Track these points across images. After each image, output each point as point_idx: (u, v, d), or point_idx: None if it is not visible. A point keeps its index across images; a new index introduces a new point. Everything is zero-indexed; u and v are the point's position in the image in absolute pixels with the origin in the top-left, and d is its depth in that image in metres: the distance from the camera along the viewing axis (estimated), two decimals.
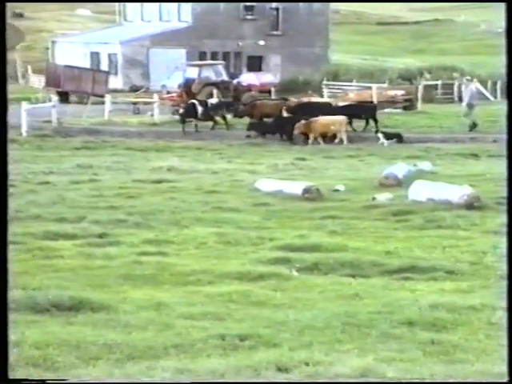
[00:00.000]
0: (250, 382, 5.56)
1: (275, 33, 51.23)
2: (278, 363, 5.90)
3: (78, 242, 11.02)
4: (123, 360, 6.04)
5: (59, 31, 58.10)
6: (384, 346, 6.51)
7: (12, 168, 20.05)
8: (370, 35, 69.50)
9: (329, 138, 25.89)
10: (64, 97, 38.21)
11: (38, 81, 45.97)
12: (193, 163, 21.36)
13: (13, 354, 5.91)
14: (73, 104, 37.20)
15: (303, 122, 25.57)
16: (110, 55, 48.87)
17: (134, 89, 45.61)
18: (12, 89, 43.73)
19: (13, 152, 21.32)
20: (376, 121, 28.16)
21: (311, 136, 25.66)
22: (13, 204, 14.07)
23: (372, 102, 30.77)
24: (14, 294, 7.69)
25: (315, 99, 31.22)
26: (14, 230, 11.72)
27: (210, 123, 28.96)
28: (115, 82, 45.60)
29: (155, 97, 33.49)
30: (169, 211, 13.54)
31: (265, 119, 28.11)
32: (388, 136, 26.39)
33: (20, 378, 4.78)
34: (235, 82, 39.42)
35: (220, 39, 49.05)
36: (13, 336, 6.35)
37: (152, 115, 31.75)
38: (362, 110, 28.50)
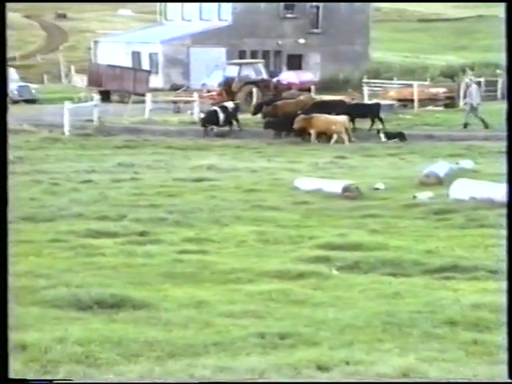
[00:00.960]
0: (254, 382, 5.54)
1: (315, 31, 51.10)
2: (318, 362, 5.89)
3: (120, 240, 11.11)
4: (164, 357, 6.08)
5: (101, 31, 58.68)
6: (425, 345, 6.46)
7: (55, 167, 20.47)
8: (411, 32, 68.95)
9: (327, 137, 25.64)
10: (106, 96, 38.58)
11: (80, 80, 46.49)
12: (232, 161, 21.40)
13: (56, 351, 5.99)
14: (114, 103, 37.53)
15: (303, 117, 25.28)
16: (150, 54, 49.21)
17: (175, 88, 45.85)
18: (55, 88, 44.61)
19: (56, 151, 21.76)
20: (381, 120, 27.80)
21: (312, 132, 25.33)
22: (56, 202, 14.26)
23: (376, 102, 30.09)
24: (57, 291, 7.81)
25: (330, 98, 30.85)
26: (57, 228, 11.89)
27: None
28: (156, 81, 45.90)
29: (195, 95, 33.63)
30: (209, 209, 13.58)
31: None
32: (390, 136, 26.22)
33: (20, 378, 4.82)
34: (275, 80, 39.39)
35: (260, 38, 49.07)
36: (56, 332, 6.44)
37: (192, 114, 31.89)
38: (366, 110, 28.16)
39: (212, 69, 44.43)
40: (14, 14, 72.40)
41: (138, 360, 5.97)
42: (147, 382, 5.35)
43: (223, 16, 50.17)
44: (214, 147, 25.36)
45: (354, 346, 6.41)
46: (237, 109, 28.36)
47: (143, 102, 32.77)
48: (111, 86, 40.68)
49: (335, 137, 25.49)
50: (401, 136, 26.27)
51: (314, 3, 50.21)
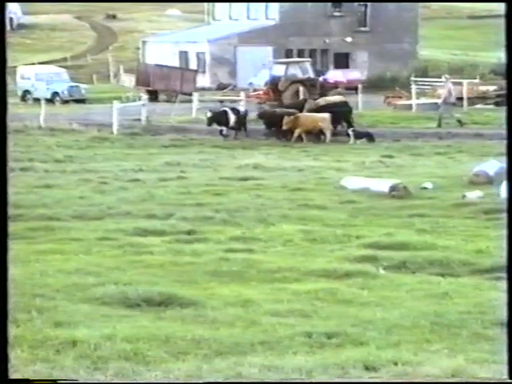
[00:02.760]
0: (252, 383, 5.53)
1: (363, 29, 50.80)
2: (365, 362, 5.86)
3: (167, 238, 11.19)
4: (211, 355, 6.10)
5: (150, 31, 59.19)
6: (475, 346, 6.38)
7: (103, 165, 20.73)
8: (460, 29, 68.07)
9: (314, 134, 25.37)
10: (153, 95, 38.90)
11: (128, 80, 46.94)
12: (278, 161, 21.40)
13: (105, 348, 6.06)
14: (162, 102, 37.82)
15: (291, 117, 25.19)
16: (198, 54, 49.47)
17: (222, 87, 46.02)
18: (104, 88, 45.14)
19: (104, 150, 22.03)
20: (349, 122, 27.15)
21: (296, 131, 25.24)
22: (105, 200, 14.43)
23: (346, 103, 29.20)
24: (106, 288, 7.90)
25: (331, 99, 30.19)
26: (105, 226, 12.03)
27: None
28: (203, 80, 46.14)
29: (242, 95, 33.69)
30: (255, 208, 13.60)
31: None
32: (358, 135, 26.01)
33: (20, 378, 4.86)
34: (322, 79, 39.27)
35: (307, 36, 48.97)
36: (105, 330, 6.51)
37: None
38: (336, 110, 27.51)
39: (259, 68, 44.46)
40: (65, 16, 73.54)
41: (185, 358, 6.00)
42: (147, 382, 5.35)
43: (270, 15, 50.18)
44: (260, 146, 25.37)
45: (402, 346, 6.35)
46: (246, 115, 27.35)
47: (190, 101, 32.96)
48: (159, 85, 41.00)
49: (328, 134, 25.36)
50: (369, 136, 26.13)
51: (362, 2, 49.94)
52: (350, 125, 27.07)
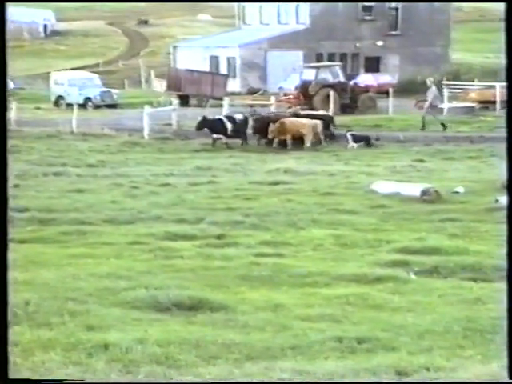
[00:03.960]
0: (249, 383, 5.50)
1: (394, 33, 50.59)
2: (397, 367, 5.82)
3: (197, 242, 11.22)
4: (242, 360, 6.10)
5: (181, 36, 59.52)
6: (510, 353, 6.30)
7: (135, 170, 20.80)
8: (493, 32, 67.34)
9: (299, 140, 25.20)
10: (184, 100, 39.07)
11: (159, 85, 47.23)
12: (309, 165, 21.37)
13: (137, 352, 6.09)
14: (192, 107, 37.97)
15: (277, 125, 25.03)
16: (228, 58, 49.62)
17: (252, 91, 46.10)
18: (135, 93, 45.37)
19: (135, 155, 22.13)
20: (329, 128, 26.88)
21: (288, 138, 25.08)
22: (136, 205, 14.51)
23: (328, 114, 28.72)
24: (137, 292, 7.94)
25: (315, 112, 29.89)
26: (136, 230, 12.10)
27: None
28: (233, 84, 46.24)
29: (272, 99, 33.71)
30: (285, 213, 13.59)
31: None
32: (356, 138, 25.87)
33: (20, 378, 4.87)
34: (352, 83, 39.17)
35: (337, 40, 48.88)
36: (137, 333, 6.54)
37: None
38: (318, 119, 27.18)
39: (289, 72, 44.48)
40: (98, 22, 74.21)
41: (216, 362, 6.01)
42: (154, 382, 5.35)
43: (301, 19, 50.18)
44: (291, 151, 25.37)
45: (434, 351, 6.31)
46: (246, 122, 26.26)
47: (221, 105, 33.06)
48: (190, 90, 41.18)
49: (310, 138, 25.23)
50: (367, 140, 26.03)
51: (393, 4, 49.73)
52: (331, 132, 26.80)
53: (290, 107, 34.72)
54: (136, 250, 10.58)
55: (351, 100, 36.91)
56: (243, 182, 17.92)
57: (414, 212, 13.78)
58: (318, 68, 38.68)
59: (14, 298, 7.42)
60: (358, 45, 49.78)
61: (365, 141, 26.04)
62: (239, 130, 25.89)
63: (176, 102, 32.90)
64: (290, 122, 25.38)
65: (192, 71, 43.10)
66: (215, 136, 25.70)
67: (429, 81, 31.58)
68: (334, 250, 10.78)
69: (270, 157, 23.68)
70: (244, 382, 5.43)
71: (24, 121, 29.92)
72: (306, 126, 25.41)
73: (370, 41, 50.03)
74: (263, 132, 25.71)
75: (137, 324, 6.99)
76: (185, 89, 41.08)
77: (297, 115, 27.01)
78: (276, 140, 25.11)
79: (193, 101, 40.49)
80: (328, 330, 6.93)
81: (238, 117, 26.28)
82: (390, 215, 13.55)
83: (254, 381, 5.50)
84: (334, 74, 37.84)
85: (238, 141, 26.11)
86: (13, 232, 12.10)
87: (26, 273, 8.85)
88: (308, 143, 25.20)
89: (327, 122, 27.06)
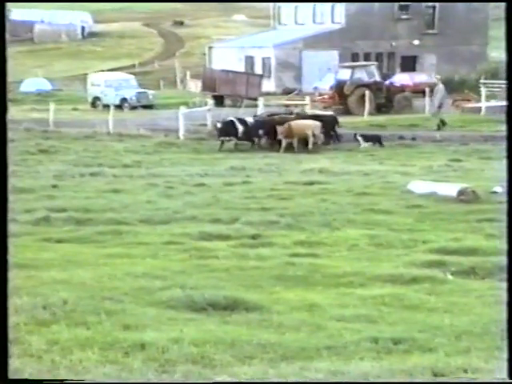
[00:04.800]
0: (249, 383, 5.47)
1: (430, 31, 50.22)
2: (433, 368, 5.78)
3: (232, 242, 11.24)
4: (277, 360, 6.10)
5: (216, 37, 59.71)
6: None
7: (170, 170, 20.90)
8: None
9: (303, 141, 25.08)
10: (219, 100, 39.20)
11: (194, 85, 47.44)
12: (343, 165, 21.29)
13: (173, 351, 6.12)
14: (227, 107, 38.08)
15: (285, 126, 24.94)
16: (263, 59, 49.66)
17: (287, 91, 46.10)
18: (170, 94, 45.62)
19: (171, 155, 22.23)
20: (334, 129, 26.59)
21: (294, 140, 24.98)
22: (171, 205, 14.59)
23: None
24: (172, 292, 7.98)
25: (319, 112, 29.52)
26: (172, 230, 12.16)
27: None
28: (268, 85, 46.28)
29: (307, 99, 33.66)
30: (320, 213, 13.56)
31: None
32: (367, 138, 25.76)
33: (20, 378, 4.89)
34: (388, 82, 38.95)
35: (373, 40, 48.65)
36: (172, 333, 6.58)
37: None
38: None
39: (324, 72, 44.39)
40: (134, 23, 74.73)
41: (251, 362, 6.02)
42: (159, 382, 5.35)
43: (336, 19, 50.04)
44: (326, 151, 25.30)
45: (472, 353, 6.25)
46: (257, 125, 25.89)
47: (256, 106, 33.09)
48: (224, 90, 41.29)
49: (311, 141, 25.15)
50: (377, 139, 25.89)
51: (431, 3, 49.38)
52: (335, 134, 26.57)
53: (325, 107, 34.65)
54: (171, 250, 10.63)
55: (386, 100, 36.72)
56: (278, 182, 17.91)
57: (451, 212, 13.66)
58: (353, 68, 38.53)
59: (52, 296, 7.51)
60: (394, 44, 49.49)
61: (376, 140, 25.91)
62: (250, 132, 25.66)
63: (211, 102, 33.01)
64: (296, 124, 25.41)
65: (227, 72, 43.21)
66: (224, 138, 25.49)
67: (436, 78, 31.41)
68: (369, 250, 10.73)
69: (305, 157, 23.64)
70: (246, 383, 5.42)
71: (61, 122, 30.24)
72: (311, 127, 25.39)
73: (406, 40, 49.72)
74: (271, 134, 25.49)
75: (172, 324, 7.02)
76: (220, 89, 41.20)
77: (302, 116, 26.93)
78: (284, 142, 25.14)
79: (228, 101, 40.59)
80: (363, 330, 6.90)
81: (249, 119, 26.08)
82: (426, 215, 13.44)
83: (289, 381, 5.49)
84: (369, 73, 37.67)
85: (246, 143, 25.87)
86: (51, 232, 12.30)
87: (63, 272, 8.94)
88: (310, 145, 25.14)
89: (332, 122, 26.89)
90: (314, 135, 25.16)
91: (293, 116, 26.57)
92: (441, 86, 30.40)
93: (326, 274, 9.23)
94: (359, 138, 26.06)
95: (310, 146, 25.07)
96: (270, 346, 6.38)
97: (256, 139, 25.78)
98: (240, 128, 25.45)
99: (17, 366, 5.66)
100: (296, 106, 34.47)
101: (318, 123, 25.51)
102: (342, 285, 8.77)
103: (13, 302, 7.40)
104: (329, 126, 26.35)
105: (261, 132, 25.78)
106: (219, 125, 25.68)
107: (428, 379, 5.56)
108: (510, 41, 4.26)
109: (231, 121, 25.83)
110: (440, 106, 29.90)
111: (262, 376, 5.69)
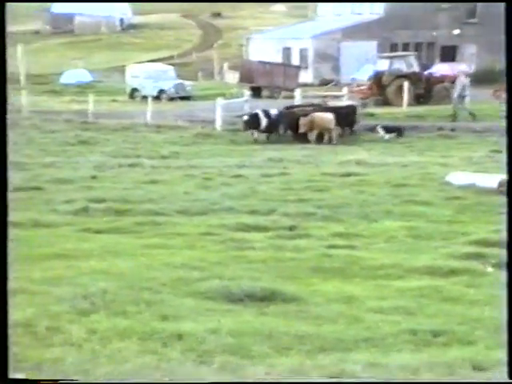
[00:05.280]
0: (249, 383, 5.44)
1: (471, 21, 49.59)
2: (473, 362, 5.72)
3: (269, 234, 11.25)
4: (314, 351, 6.10)
5: (254, 28, 59.66)
6: None
7: (208, 161, 20.94)
8: None
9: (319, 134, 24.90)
10: (256, 92, 39.16)
11: (232, 77, 47.46)
12: (381, 156, 21.16)
13: (210, 342, 6.15)
14: (264, 99, 38.04)
15: (307, 118, 24.75)
16: (301, 50, 49.49)
17: (324, 82, 45.92)
18: (208, 85, 45.65)
19: (208, 146, 22.25)
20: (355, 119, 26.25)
21: (314, 133, 24.83)
22: (208, 196, 14.64)
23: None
24: (210, 283, 8.01)
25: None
26: (209, 221, 12.21)
27: None
28: (306, 76, 46.12)
29: (344, 90, 33.49)
30: (357, 204, 13.50)
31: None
32: (388, 130, 25.42)
33: (20, 378, 4.90)
34: (427, 73, 38.57)
35: (412, 30, 48.19)
36: (210, 324, 6.60)
37: None
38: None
39: (362, 63, 44.11)
40: (172, 15, 75.02)
41: (288, 353, 6.02)
42: (146, 382, 5.35)
43: (375, 9, 49.66)
44: (363, 142, 25.17)
45: None
46: (280, 117, 25.64)
47: (293, 97, 33.01)
48: (262, 81, 41.25)
49: (334, 133, 25.04)
50: (399, 130, 25.59)
51: None
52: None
53: (362, 98, 34.43)
54: (209, 241, 10.67)
55: (426, 90, 36.35)
56: (315, 174, 17.86)
57: (491, 204, 13.49)
58: (392, 58, 38.21)
59: (92, 286, 7.59)
60: (434, 34, 48.99)
61: (397, 131, 25.73)
62: (274, 124, 25.51)
63: (248, 93, 32.98)
64: (318, 116, 25.32)
65: (264, 63, 43.16)
66: (250, 131, 25.40)
67: (457, 72, 30.98)
68: (408, 242, 10.66)
69: (342, 148, 23.54)
70: (243, 383, 5.42)
71: (101, 113, 30.49)
72: (332, 120, 25.22)
73: (446, 29, 49.17)
74: (293, 126, 25.31)
75: (210, 314, 7.05)
76: (257, 80, 41.17)
77: (322, 108, 26.75)
78: (310, 134, 25.06)
79: (265, 92, 40.55)
80: (402, 322, 6.86)
81: (273, 112, 25.89)
82: (465, 207, 13.31)
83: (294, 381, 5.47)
84: (408, 63, 37.32)
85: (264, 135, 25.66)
86: (90, 222, 12.43)
87: (102, 262, 9.03)
88: (333, 138, 25.00)
89: (352, 113, 26.60)
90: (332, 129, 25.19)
91: (311, 108, 26.46)
92: (462, 79, 29.93)
93: (363, 265, 9.19)
94: (379, 130, 25.88)
95: (333, 139, 24.96)
96: (307, 337, 6.37)
97: (278, 131, 25.64)
98: (263, 121, 25.33)
99: (58, 355, 5.73)
100: (333, 97, 34.31)
101: (332, 117, 25.42)
102: (380, 277, 8.72)
103: (54, 291, 7.51)
104: (349, 116, 26.20)
105: (282, 125, 25.71)
106: (245, 117, 25.64)
107: (429, 379, 5.50)
108: (510, 41, 4.22)
109: (256, 113, 25.76)
110: (462, 98, 29.43)
111: (300, 367, 5.69)
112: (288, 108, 27.06)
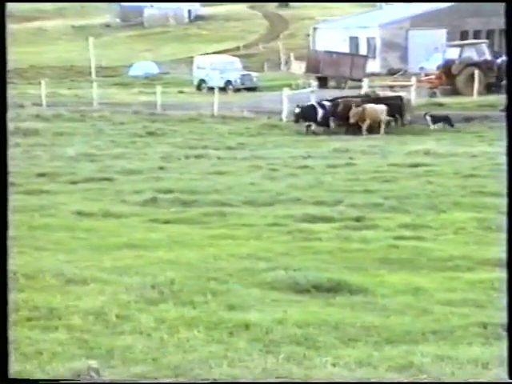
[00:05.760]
0: (249, 383, 5.35)
1: None
2: None
3: (336, 224, 11.21)
4: (381, 343, 6.06)
5: (321, 18, 59.34)
6: None
7: (273, 152, 20.93)
8: None
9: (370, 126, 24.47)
10: (323, 82, 38.99)
11: (298, 67, 47.32)
12: (450, 146, 20.84)
13: (277, 332, 6.17)
14: (330, 89, 37.84)
15: (358, 109, 24.43)
16: (368, 39, 49.01)
17: (392, 72, 45.37)
18: (274, 76, 45.60)
19: (274, 137, 22.25)
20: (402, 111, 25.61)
21: (365, 124, 24.48)
22: (274, 187, 14.66)
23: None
24: (276, 273, 8.04)
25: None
26: (275, 212, 12.23)
27: None
28: (373, 65, 45.65)
29: (413, 79, 33.05)
30: (425, 195, 13.34)
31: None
32: (436, 119, 25.01)
33: (20, 378, 4.92)
34: (499, 61, 37.73)
35: (484, 17, 47.15)
36: (276, 314, 6.62)
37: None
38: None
39: (431, 52, 43.43)
40: (239, 6, 75.22)
41: (355, 345, 6.00)
42: (147, 382, 5.33)
43: None
44: (432, 132, 24.83)
45: None
46: (336, 107, 25.31)
47: (359, 87, 32.75)
48: (328, 71, 41.04)
49: (383, 125, 24.75)
50: (447, 119, 25.14)
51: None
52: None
53: (431, 88, 33.93)
54: (275, 232, 10.69)
55: (497, 79, 35.58)
56: (382, 164, 17.71)
57: None
58: (462, 46, 37.51)
59: (160, 276, 7.70)
60: None
61: (444, 121, 25.34)
62: (327, 116, 25.36)
63: (314, 84, 32.85)
64: (370, 107, 25.10)
65: (331, 53, 42.90)
66: (307, 123, 25.22)
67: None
68: (477, 234, 10.49)
69: (410, 138, 23.26)
70: (246, 383, 5.39)
71: (168, 104, 30.81)
72: (383, 111, 24.98)
73: None
74: (344, 117, 25.10)
75: (276, 305, 7.07)
76: (323, 71, 40.97)
77: (370, 99, 26.44)
78: (362, 124, 24.81)
79: (331, 82, 40.33)
80: (471, 315, 6.76)
81: (327, 103, 25.71)
82: None
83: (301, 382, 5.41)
84: (479, 52, 36.58)
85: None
86: (158, 213, 12.58)
87: (170, 252, 9.14)
88: (382, 130, 24.74)
89: (398, 104, 26.14)
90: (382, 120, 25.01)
91: (359, 99, 26.21)
92: None
93: (431, 257, 9.09)
94: (428, 119, 25.52)
95: (382, 130, 24.76)
96: (374, 328, 6.34)
97: (330, 123, 25.49)
98: (320, 112, 25.22)
99: (128, 343, 5.83)
100: (401, 87, 33.90)
101: (385, 107, 25.16)
102: (449, 268, 8.61)
103: (123, 280, 7.64)
104: (395, 107, 25.92)
105: (334, 116, 25.47)
106: (297, 110, 25.44)
107: (429, 379, 5.39)
108: (510, 41, 4.10)
109: (312, 105, 25.67)
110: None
111: (367, 359, 5.66)
112: (337, 99, 26.89)
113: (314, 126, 25.24)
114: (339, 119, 25.44)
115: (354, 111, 24.77)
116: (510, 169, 4.31)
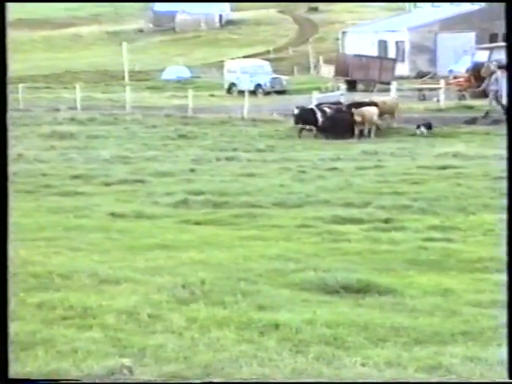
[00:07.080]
0: (254, 383, 5.36)
1: None
2: None
3: (365, 226, 11.25)
4: (410, 344, 6.09)
5: (350, 22, 59.28)
6: None
7: (302, 155, 21.05)
8: None
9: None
10: (352, 85, 38.95)
11: (327, 71, 47.33)
12: (480, 149, 20.75)
13: (306, 332, 6.23)
14: (359, 92, 37.80)
15: (361, 109, 24.45)
16: (397, 42, 48.86)
17: (421, 75, 45.19)
18: (303, 79, 45.70)
19: (303, 140, 22.30)
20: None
21: (367, 125, 24.46)
22: (304, 189, 14.73)
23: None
24: (305, 274, 8.10)
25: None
26: (305, 213, 12.30)
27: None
28: (402, 68, 45.52)
29: (441, 82, 32.92)
30: (454, 197, 13.33)
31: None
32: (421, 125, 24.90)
33: (20, 378, 4.97)
34: None
35: None
36: (306, 314, 6.69)
37: (438, 101, 31.27)
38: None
39: (460, 55, 43.19)
40: (269, 11, 75.35)
41: (384, 345, 6.04)
42: (146, 382, 5.37)
43: None
44: (461, 134, 24.72)
45: None
46: (339, 111, 25.29)
47: (388, 90, 32.70)
48: (357, 75, 41.00)
49: (374, 128, 24.71)
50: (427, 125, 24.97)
51: None
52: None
53: (460, 90, 33.76)
54: (304, 233, 10.76)
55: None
56: (411, 166, 17.70)
57: None
58: (491, 49, 37.27)
59: (191, 276, 7.80)
60: None
61: (425, 126, 25.19)
62: (329, 120, 25.17)
63: (344, 87, 32.85)
64: (366, 110, 25.10)
65: (360, 56, 42.87)
66: (303, 126, 25.06)
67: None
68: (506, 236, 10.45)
69: (439, 141, 23.20)
70: (246, 383, 5.43)
71: (199, 108, 31.00)
72: (376, 113, 25.02)
73: None
74: (345, 122, 24.99)
75: (306, 305, 7.13)
76: (352, 74, 40.94)
77: (365, 103, 26.36)
78: (367, 127, 24.85)
79: (360, 86, 40.27)
80: (501, 316, 6.77)
81: (327, 109, 25.48)
82: None
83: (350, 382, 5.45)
84: None
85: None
86: (189, 214, 12.72)
87: (201, 253, 9.25)
88: (373, 133, 24.72)
89: (392, 109, 26.15)
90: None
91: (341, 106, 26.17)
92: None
93: (460, 258, 9.09)
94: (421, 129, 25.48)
95: (372, 133, 24.69)
96: (403, 329, 6.38)
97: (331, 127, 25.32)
98: (320, 117, 25.07)
99: (160, 342, 5.94)
100: (430, 89, 33.77)
101: (377, 110, 25.10)
102: (478, 270, 8.62)
103: (155, 280, 7.76)
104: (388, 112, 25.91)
105: (335, 121, 25.50)
106: (296, 111, 25.37)
107: (429, 379, 5.41)
108: (510, 41, 4.13)
109: (311, 109, 25.56)
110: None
111: (396, 360, 5.71)
112: (331, 105, 26.86)
113: (314, 131, 25.03)
114: (341, 124, 25.43)
115: (357, 112, 24.77)
116: (510, 169, 4.35)
